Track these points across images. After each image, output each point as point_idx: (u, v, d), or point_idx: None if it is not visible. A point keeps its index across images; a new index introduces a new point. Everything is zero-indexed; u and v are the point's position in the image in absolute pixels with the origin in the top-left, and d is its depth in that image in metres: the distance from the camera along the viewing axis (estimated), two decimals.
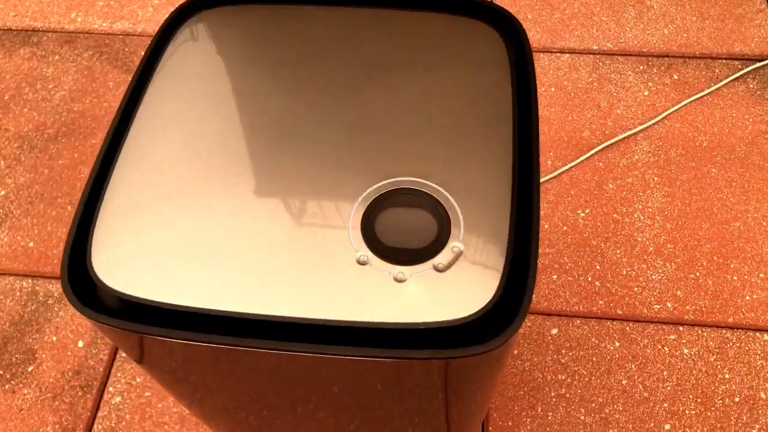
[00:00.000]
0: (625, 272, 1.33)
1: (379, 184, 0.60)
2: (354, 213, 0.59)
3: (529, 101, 0.64)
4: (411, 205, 0.59)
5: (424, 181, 0.60)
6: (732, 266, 1.33)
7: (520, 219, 0.58)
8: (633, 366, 1.23)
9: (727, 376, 1.22)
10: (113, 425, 1.18)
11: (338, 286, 0.56)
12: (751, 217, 1.39)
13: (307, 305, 0.55)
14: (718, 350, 1.25)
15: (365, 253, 0.57)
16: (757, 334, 1.26)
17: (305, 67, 0.69)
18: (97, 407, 1.20)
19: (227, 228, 0.58)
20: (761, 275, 1.32)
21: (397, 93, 0.66)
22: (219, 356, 0.58)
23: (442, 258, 0.56)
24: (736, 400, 1.20)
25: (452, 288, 0.55)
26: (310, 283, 0.56)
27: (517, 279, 0.56)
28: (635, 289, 1.31)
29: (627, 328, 1.27)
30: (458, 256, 0.56)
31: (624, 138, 1.49)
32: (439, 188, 0.59)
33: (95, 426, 1.18)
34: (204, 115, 0.66)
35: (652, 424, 1.17)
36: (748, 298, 1.29)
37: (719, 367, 1.23)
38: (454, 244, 0.57)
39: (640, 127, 1.50)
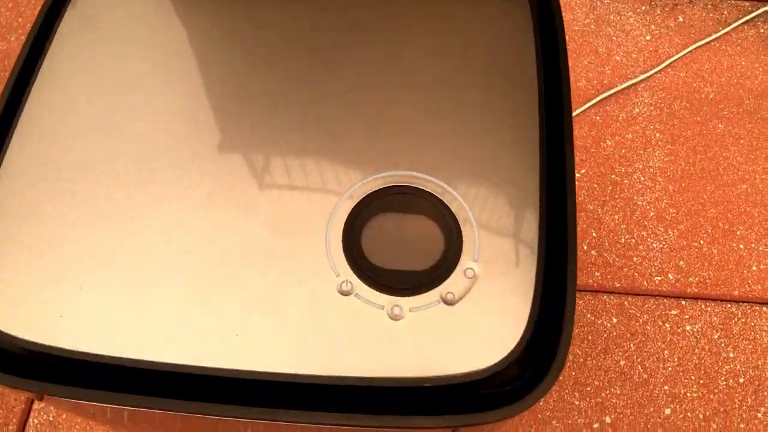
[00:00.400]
0: (623, 240, 1.21)
1: (366, 181, 0.45)
2: (333, 222, 0.44)
3: (558, 73, 0.49)
4: (409, 211, 0.45)
5: (427, 177, 0.45)
6: (738, 233, 1.22)
7: (552, 231, 0.44)
8: (632, 345, 1.12)
9: (731, 354, 1.13)
10: (51, 419, 1.04)
11: (312, 327, 0.41)
12: (759, 178, 1.27)
13: (268, 356, 0.40)
14: (722, 326, 1.15)
15: (349, 278, 0.42)
16: (764, 308, 1.16)
17: (271, 14, 0.52)
18: (32, 399, 1.06)
19: (161, 242, 0.43)
20: None
21: (388, 54, 0.50)
22: (153, 419, 0.44)
23: (452, 285, 0.42)
24: (741, 381, 1.10)
25: (465, 328, 0.41)
26: (274, 325, 0.41)
27: (551, 314, 0.42)
28: (635, 259, 1.19)
29: (626, 303, 1.16)
30: (473, 282, 0.42)
31: (624, 89, 1.34)
32: (446, 187, 0.45)
33: (30, 420, 1.04)
34: (133, 72, 0.49)
35: (651, 409, 1.08)
36: (754, 268, 1.19)
37: (723, 345, 1.13)
38: (467, 266, 0.43)
39: (642, 77, 1.35)
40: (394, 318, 0.41)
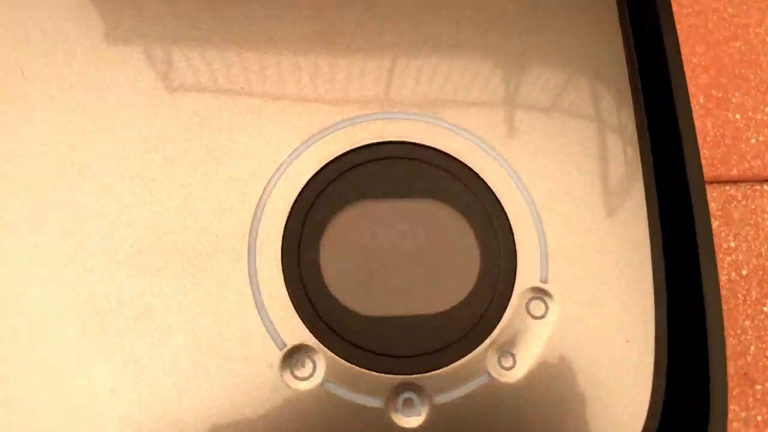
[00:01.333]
0: None
1: (329, 132, 0.24)
2: (263, 222, 0.23)
3: None
4: (413, 195, 0.24)
5: (450, 127, 0.24)
6: (734, 101, 1.05)
7: (671, 234, 0.24)
8: None
9: (732, 244, 0.99)
10: None
11: None
12: (753, 32, 1.09)
13: None
14: (721, 213, 1.01)
15: (305, 349, 0.22)
16: (765, 186, 1.02)
17: None
18: None
19: None
20: (767, 110, 1.05)
21: None
22: None
23: (507, 337, 0.22)
24: (744, 273, 0.98)
25: (543, 423, 0.22)
26: None
27: (688, 383, 0.23)
28: None
29: None
30: (545, 326, 0.23)
31: None
32: (487, 148, 0.24)
33: None
34: None
35: None
36: (753, 141, 1.04)
37: (724, 234, 1.00)
38: (530, 295, 0.23)
39: None
40: (404, 420, 0.21)
